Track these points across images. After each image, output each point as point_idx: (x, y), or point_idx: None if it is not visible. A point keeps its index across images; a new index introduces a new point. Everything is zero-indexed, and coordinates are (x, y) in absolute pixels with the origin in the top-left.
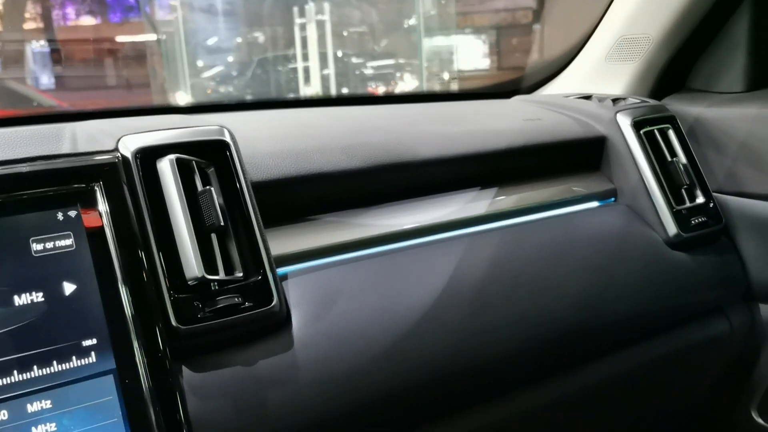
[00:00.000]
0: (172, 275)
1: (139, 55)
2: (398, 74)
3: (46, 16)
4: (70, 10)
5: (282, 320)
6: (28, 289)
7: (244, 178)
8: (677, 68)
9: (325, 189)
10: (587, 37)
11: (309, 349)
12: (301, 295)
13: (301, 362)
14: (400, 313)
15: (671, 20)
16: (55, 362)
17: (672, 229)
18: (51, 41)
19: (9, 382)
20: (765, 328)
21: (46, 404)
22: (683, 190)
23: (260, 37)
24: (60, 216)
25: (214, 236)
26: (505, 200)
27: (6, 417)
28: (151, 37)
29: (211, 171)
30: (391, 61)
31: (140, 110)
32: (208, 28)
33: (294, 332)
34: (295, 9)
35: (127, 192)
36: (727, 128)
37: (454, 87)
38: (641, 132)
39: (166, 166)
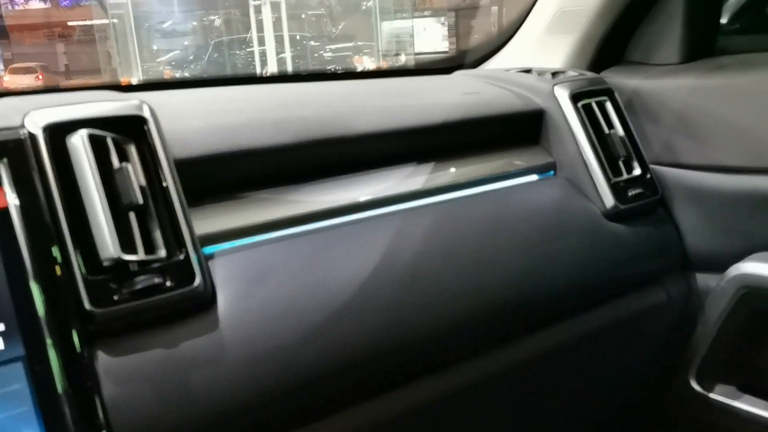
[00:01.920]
0: (86, 257)
1: (89, 39)
2: (356, 56)
3: None
4: None
5: (207, 300)
6: None
7: (165, 154)
8: (615, 41)
9: (254, 165)
10: (528, 11)
11: (236, 328)
12: (228, 274)
13: (228, 342)
14: (332, 289)
15: None
16: None
17: (609, 201)
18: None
19: None
20: (701, 297)
21: None
22: (620, 162)
23: (216, 20)
24: None
25: (132, 215)
26: (443, 175)
27: None
28: (102, 21)
29: (129, 147)
30: (349, 44)
31: (67, 90)
32: (162, 11)
33: (219, 312)
34: None
35: (35, 170)
36: (664, 100)
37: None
38: (579, 105)
39: (77, 142)
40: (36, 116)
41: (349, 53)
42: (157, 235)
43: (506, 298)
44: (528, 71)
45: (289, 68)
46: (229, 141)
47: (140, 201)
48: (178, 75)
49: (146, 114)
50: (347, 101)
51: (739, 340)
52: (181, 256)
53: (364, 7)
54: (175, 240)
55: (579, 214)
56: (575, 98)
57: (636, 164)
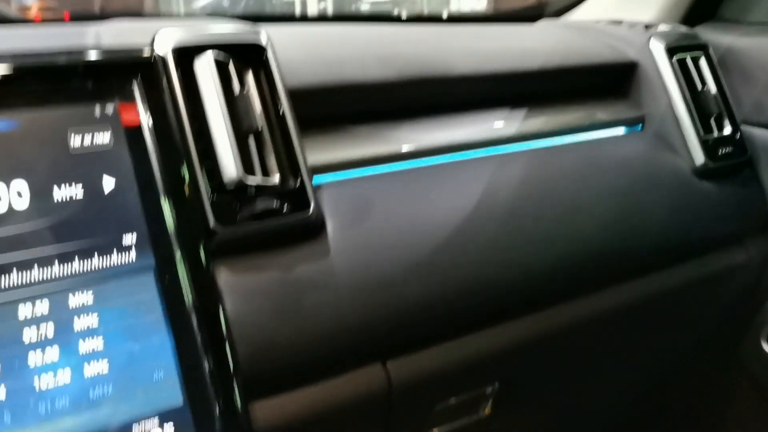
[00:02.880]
0: (210, 177)
1: None
2: (397, 9)
3: None
4: None
5: (318, 227)
6: (68, 184)
7: (282, 82)
8: None
9: (358, 99)
10: None
11: (344, 256)
12: (335, 205)
13: (336, 269)
14: (433, 225)
15: None
16: (95, 257)
17: (699, 158)
18: None
19: (49, 275)
20: None
21: (88, 298)
22: (712, 120)
23: None
24: (97, 111)
25: (251, 139)
26: (534, 122)
27: (48, 309)
28: None
29: (247, 73)
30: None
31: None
32: None
33: (329, 239)
34: None
35: (165, 90)
36: (758, 59)
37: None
38: (674, 59)
39: (204, 65)
40: (165, 38)
41: (389, 6)
42: (273, 161)
43: (597, 246)
44: (618, 23)
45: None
46: (337, 74)
47: (260, 126)
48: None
49: (265, 42)
50: (444, 43)
51: None
52: (296, 183)
53: None
54: (289, 167)
55: (668, 169)
56: (671, 52)
57: (727, 123)
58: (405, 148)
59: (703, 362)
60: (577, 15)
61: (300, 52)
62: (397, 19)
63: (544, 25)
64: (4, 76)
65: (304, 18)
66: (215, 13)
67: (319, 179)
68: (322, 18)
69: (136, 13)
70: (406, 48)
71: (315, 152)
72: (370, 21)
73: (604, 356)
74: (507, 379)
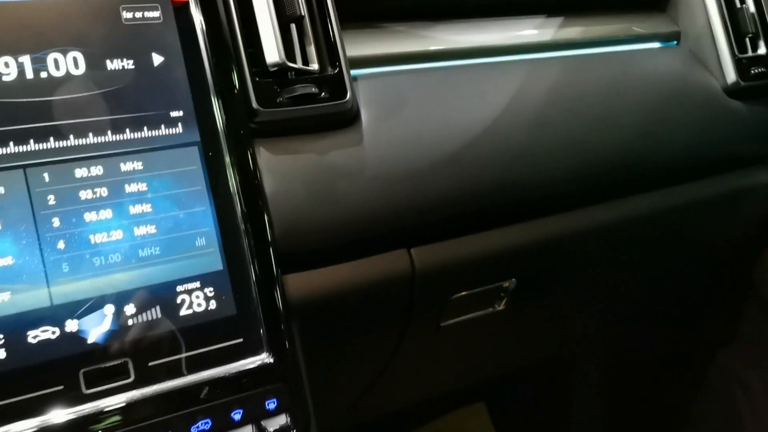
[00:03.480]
0: (252, 60)
1: None
2: None
3: None
4: None
5: (352, 117)
6: (120, 56)
7: None
8: None
9: None
10: None
11: (376, 147)
12: (370, 97)
13: (369, 158)
14: (463, 124)
15: None
16: (145, 128)
17: (731, 76)
18: None
19: (103, 140)
20: None
21: (138, 165)
22: (747, 39)
23: None
24: None
25: (293, 27)
26: (569, 30)
27: (102, 172)
28: None
29: None
30: None
31: None
32: None
33: (363, 129)
34: None
35: None
36: None
37: None
38: None
39: None
40: None
41: None
42: (313, 50)
43: (623, 155)
44: None
45: None
46: None
47: (304, 13)
48: None
49: None
50: None
51: None
52: (335, 71)
53: None
54: (329, 56)
55: (700, 85)
56: None
57: (762, 43)
58: (440, 47)
59: (715, 279)
60: None
61: None
62: None
63: None
64: None
65: None
66: None
67: (356, 71)
68: None
69: None
70: None
71: (353, 46)
72: None
73: (618, 262)
74: (524, 276)
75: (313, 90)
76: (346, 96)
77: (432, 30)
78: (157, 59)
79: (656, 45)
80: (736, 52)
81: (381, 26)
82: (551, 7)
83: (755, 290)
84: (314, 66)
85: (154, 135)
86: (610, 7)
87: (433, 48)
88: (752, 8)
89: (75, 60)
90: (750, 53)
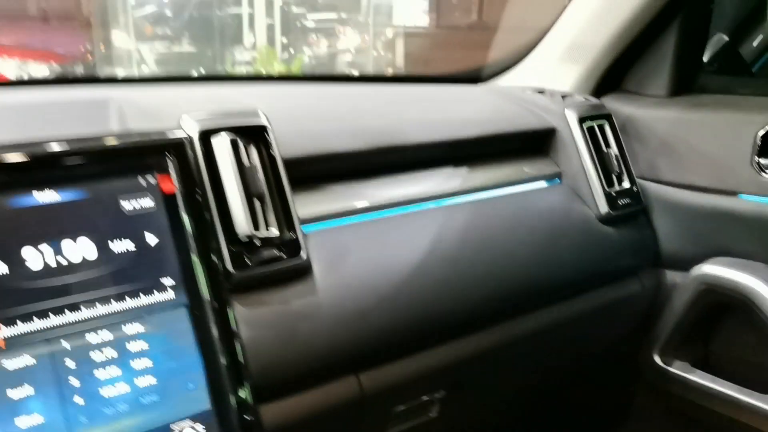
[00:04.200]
0: (227, 231)
1: None
2: (342, 28)
3: None
4: None
5: (307, 269)
6: (122, 239)
7: (278, 155)
8: (615, 72)
9: (336, 164)
10: (541, 37)
11: (327, 292)
12: (320, 250)
13: (322, 302)
14: (396, 266)
15: (614, 33)
16: (143, 295)
17: (603, 207)
18: None
19: (110, 311)
20: (668, 289)
21: (139, 327)
22: (614, 176)
23: None
24: (142, 181)
25: (256, 201)
26: (473, 178)
27: (110, 337)
28: None
29: (253, 148)
30: (332, 15)
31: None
32: None
33: (316, 279)
34: None
35: (192, 164)
36: (652, 127)
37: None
38: (584, 126)
39: (221, 145)
40: (190, 123)
41: (333, 24)
42: (273, 217)
43: (523, 280)
44: (542, 92)
45: (278, 35)
46: (320, 146)
47: (265, 191)
48: (159, 32)
49: (265, 122)
50: (399, 113)
51: (696, 327)
52: (292, 235)
53: None
54: (286, 222)
55: (579, 217)
56: (581, 120)
57: (626, 178)
58: (372, 203)
59: (609, 369)
60: (507, 79)
61: (290, 127)
62: (352, 80)
63: (482, 89)
64: (79, 157)
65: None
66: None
67: (307, 228)
68: (282, 78)
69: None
70: (372, 121)
71: (304, 207)
72: (325, 81)
73: (527, 366)
74: (451, 386)
75: (276, 253)
76: (300, 254)
77: (366, 188)
78: (152, 240)
79: (543, 184)
80: (606, 188)
81: (326, 188)
82: (459, 159)
83: (641, 376)
84: (274, 231)
85: (151, 302)
86: (505, 154)
87: (367, 204)
88: (616, 150)
89: (86, 246)
90: (617, 187)
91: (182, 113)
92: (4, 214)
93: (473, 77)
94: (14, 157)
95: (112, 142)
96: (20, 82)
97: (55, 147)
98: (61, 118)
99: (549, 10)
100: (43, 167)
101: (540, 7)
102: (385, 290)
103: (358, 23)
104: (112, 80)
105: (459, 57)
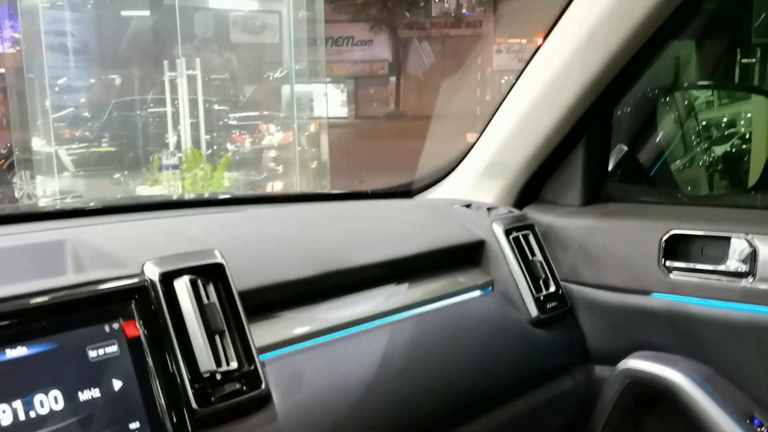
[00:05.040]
0: (190, 369)
1: None
2: (265, 125)
3: None
4: None
5: (268, 398)
6: (88, 387)
7: (235, 289)
8: (534, 184)
9: (287, 291)
10: (465, 154)
11: (289, 419)
12: (277, 378)
13: (284, 427)
14: (350, 384)
15: (530, 151)
16: None
17: (534, 311)
18: None
19: None
20: (599, 383)
21: None
22: (541, 281)
23: (117, 79)
24: (107, 328)
25: (217, 336)
26: (413, 293)
27: None
28: None
29: (211, 286)
30: (254, 112)
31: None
32: (58, 66)
33: (276, 407)
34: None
35: (155, 307)
36: (570, 234)
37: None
38: (510, 237)
39: (182, 286)
40: (151, 267)
41: (256, 121)
42: (232, 351)
43: (464, 389)
44: (468, 205)
45: (202, 133)
46: (274, 276)
47: (224, 327)
48: (77, 134)
49: (222, 261)
50: (342, 233)
51: (627, 418)
52: (251, 367)
53: (266, 74)
54: (244, 353)
55: (512, 322)
56: (507, 232)
57: (552, 283)
58: (323, 326)
59: None
60: (437, 193)
61: (243, 259)
62: (286, 199)
63: (412, 204)
64: (47, 310)
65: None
66: None
67: (263, 357)
68: (210, 202)
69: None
70: (318, 246)
71: (259, 336)
72: (268, 202)
73: None
74: None
75: (237, 386)
76: (260, 386)
77: (315, 311)
78: (117, 384)
79: (478, 293)
80: (534, 293)
81: (275, 315)
82: (399, 275)
83: None
84: (234, 364)
85: None
86: (441, 266)
87: (318, 327)
88: (540, 257)
89: (55, 397)
90: (544, 291)
91: (137, 252)
92: None
93: (404, 191)
94: None
95: (78, 292)
96: None
97: (24, 302)
98: (16, 265)
99: (458, 100)
100: (10, 322)
101: (449, 98)
102: (342, 411)
103: (279, 118)
104: (57, 214)
105: (381, 145)
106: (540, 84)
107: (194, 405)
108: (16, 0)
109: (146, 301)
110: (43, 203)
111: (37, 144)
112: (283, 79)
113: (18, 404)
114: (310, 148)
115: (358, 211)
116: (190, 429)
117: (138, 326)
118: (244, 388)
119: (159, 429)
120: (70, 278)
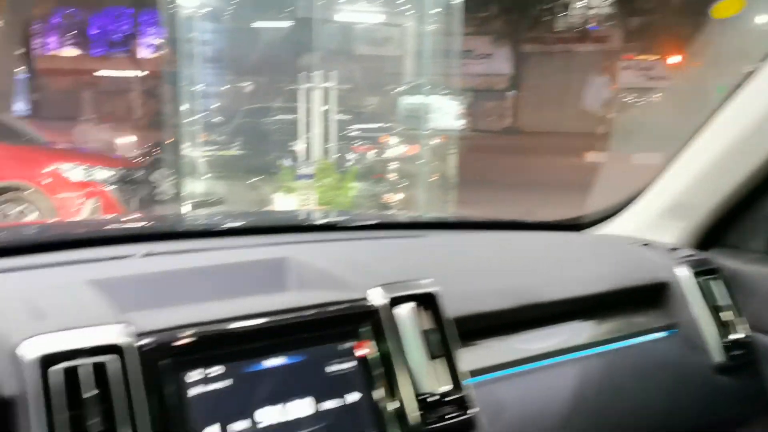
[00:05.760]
0: (412, 391)
1: (120, 90)
2: (386, 136)
3: (27, 45)
4: (53, 40)
5: (476, 422)
6: (329, 398)
7: (447, 317)
8: (717, 228)
9: (486, 321)
10: (642, 190)
11: None
12: (482, 403)
13: None
14: (546, 417)
15: (722, 196)
16: None
17: (720, 357)
18: (32, 70)
19: None
20: None
21: None
22: (729, 326)
23: (248, 86)
24: (343, 346)
25: (434, 361)
26: (599, 330)
27: None
28: (135, 72)
29: (427, 312)
30: (376, 124)
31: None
32: (195, 72)
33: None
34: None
35: (381, 330)
36: (758, 281)
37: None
38: (697, 280)
39: (405, 313)
40: (378, 293)
41: (377, 133)
42: (445, 375)
43: (650, 427)
44: (647, 244)
45: (331, 145)
46: (477, 307)
47: (440, 352)
48: (209, 138)
49: (437, 290)
50: (533, 269)
51: None
52: (463, 391)
53: (387, 86)
54: (454, 378)
55: (696, 367)
56: (694, 275)
57: (738, 328)
58: (520, 356)
59: None
60: (610, 228)
61: (448, 288)
62: (467, 225)
63: (587, 240)
64: (298, 326)
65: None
66: None
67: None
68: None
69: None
70: (514, 280)
71: (463, 362)
72: (451, 228)
73: None
74: None
75: (451, 409)
76: (472, 410)
77: (512, 341)
78: (351, 398)
79: (661, 335)
80: (721, 338)
81: (477, 342)
82: (584, 312)
83: None
84: (448, 388)
85: None
86: (623, 305)
87: (515, 357)
88: (728, 302)
89: (303, 406)
90: (731, 337)
91: (358, 276)
92: (241, 378)
93: (573, 225)
94: (245, 327)
95: (324, 311)
96: (176, 234)
97: (278, 318)
98: (245, 283)
99: (579, 118)
100: (268, 337)
101: (569, 115)
102: None
103: (399, 130)
104: (272, 229)
105: (497, 160)
106: (743, 125)
107: (416, 424)
108: (161, 10)
109: (375, 324)
110: (186, 205)
111: (175, 145)
112: (403, 92)
113: (274, 410)
114: (433, 161)
115: (538, 243)
116: None
117: (367, 347)
118: (458, 411)
119: None
120: (317, 296)
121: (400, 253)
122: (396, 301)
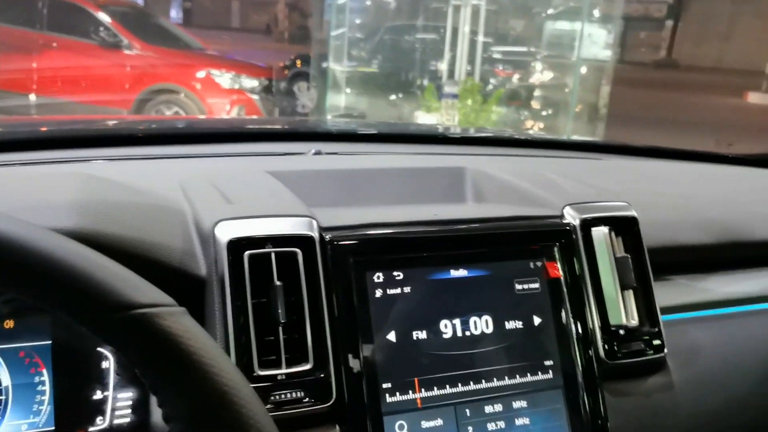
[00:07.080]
0: (601, 319)
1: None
2: (532, 62)
3: None
4: None
5: (666, 363)
6: (513, 318)
7: (645, 246)
8: None
9: (682, 256)
10: None
11: (684, 388)
12: (673, 343)
13: (680, 399)
14: (742, 368)
15: None
16: (528, 374)
17: None
18: None
19: (501, 384)
20: None
21: (523, 404)
22: None
23: (391, 3)
24: (532, 265)
25: (626, 291)
26: None
27: (501, 409)
28: None
29: (621, 239)
30: (521, 48)
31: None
32: None
33: (673, 373)
34: None
35: (574, 252)
36: None
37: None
38: None
39: (600, 236)
40: (572, 212)
41: (522, 57)
42: (637, 308)
43: None
44: None
45: (477, 66)
46: (673, 238)
47: (634, 282)
48: (352, 53)
49: (635, 215)
50: (737, 202)
51: None
52: (655, 328)
53: (534, 10)
54: (647, 313)
55: None
56: None
57: None
58: (715, 298)
59: None
60: None
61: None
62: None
63: None
64: (489, 237)
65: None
66: None
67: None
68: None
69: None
70: (715, 213)
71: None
72: (634, 154)
73: None
74: None
75: (641, 345)
76: (663, 350)
77: (708, 281)
78: (537, 320)
79: None
80: None
81: (670, 278)
82: None
83: None
84: (639, 322)
85: (534, 380)
86: None
87: (712, 298)
88: None
89: (486, 322)
90: None
91: (551, 194)
92: (424, 285)
93: (760, 159)
94: (432, 232)
95: (514, 225)
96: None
97: (467, 227)
98: (425, 189)
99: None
100: (456, 246)
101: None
102: (735, 393)
103: (545, 56)
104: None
105: (648, 95)
106: None
107: (603, 355)
108: None
109: (568, 245)
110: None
111: (319, 59)
112: (552, 15)
113: (457, 322)
114: (578, 91)
115: (740, 178)
116: (598, 378)
117: (558, 268)
118: (648, 348)
119: (570, 371)
120: (505, 209)
121: (588, 173)
122: (590, 223)
